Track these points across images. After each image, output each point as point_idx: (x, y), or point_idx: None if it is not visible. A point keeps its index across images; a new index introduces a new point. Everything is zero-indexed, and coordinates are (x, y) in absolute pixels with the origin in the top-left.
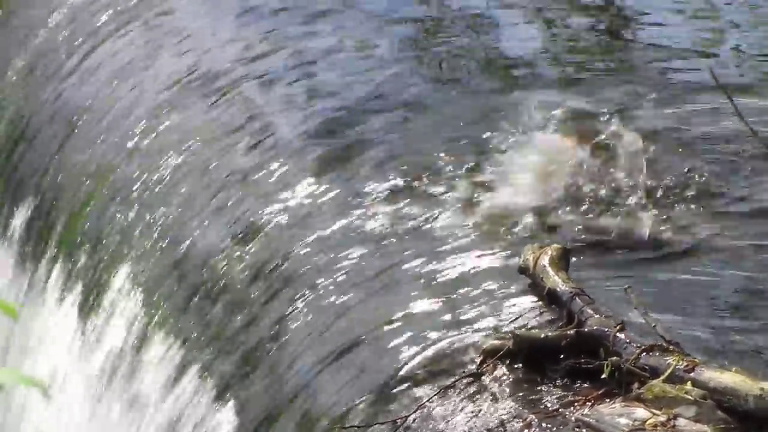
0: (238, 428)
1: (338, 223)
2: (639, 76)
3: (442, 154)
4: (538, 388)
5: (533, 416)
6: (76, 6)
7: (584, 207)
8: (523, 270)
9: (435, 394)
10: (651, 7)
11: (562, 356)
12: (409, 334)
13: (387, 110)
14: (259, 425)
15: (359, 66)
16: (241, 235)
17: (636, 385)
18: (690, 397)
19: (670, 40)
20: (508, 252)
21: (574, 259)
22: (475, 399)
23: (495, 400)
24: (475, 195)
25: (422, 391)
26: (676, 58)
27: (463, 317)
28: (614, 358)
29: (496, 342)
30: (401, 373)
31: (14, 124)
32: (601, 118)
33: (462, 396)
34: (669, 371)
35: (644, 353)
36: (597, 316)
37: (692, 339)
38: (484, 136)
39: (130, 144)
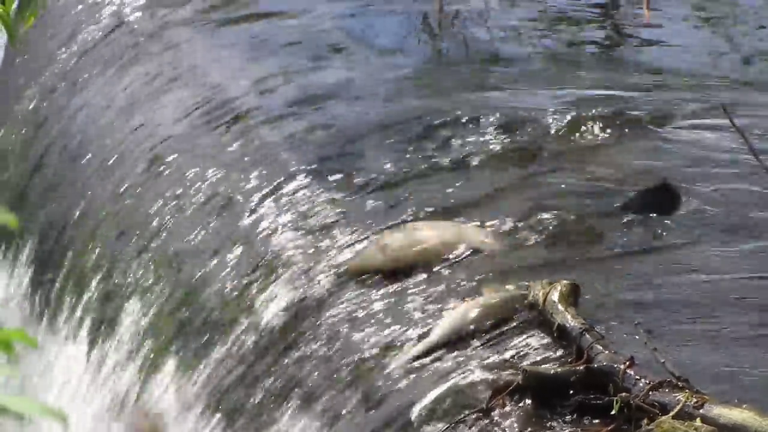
0: None
1: (342, 255)
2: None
3: (447, 186)
4: (548, 423)
5: None
6: (87, 39)
7: None
8: (532, 306)
9: (444, 430)
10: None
11: (571, 392)
12: (418, 369)
13: (393, 144)
14: None
15: (366, 100)
16: (249, 268)
17: (645, 421)
18: None
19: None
20: (516, 286)
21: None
22: None
23: None
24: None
25: (432, 427)
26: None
27: (472, 353)
28: (624, 394)
29: (506, 378)
30: (411, 408)
31: (25, 155)
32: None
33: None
34: (678, 407)
35: (653, 389)
36: (606, 352)
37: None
38: (488, 169)
39: (139, 176)
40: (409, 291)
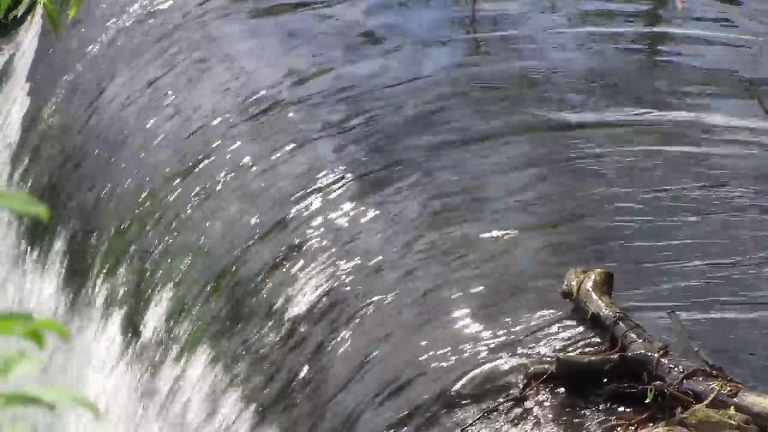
0: None
1: (380, 247)
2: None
3: (484, 178)
4: (582, 412)
5: None
6: (121, 29)
7: None
8: (566, 294)
9: (478, 417)
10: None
11: (605, 380)
12: (453, 356)
13: (430, 134)
14: None
15: (402, 90)
16: (283, 258)
17: (679, 409)
18: (733, 422)
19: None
20: (551, 276)
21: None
22: (518, 423)
23: (538, 424)
24: (516, 218)
25: (465, 414)
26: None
27: (506, 341)
28: (657, 382)
29: (540, 366)
30: (445, 395)
31: (60, 145)
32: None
33: (505, 419)
34: (712, 396)
35: (687, 378)
36: (640, 340)
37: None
38: (527, 157)
39: (173, 166)
40: None
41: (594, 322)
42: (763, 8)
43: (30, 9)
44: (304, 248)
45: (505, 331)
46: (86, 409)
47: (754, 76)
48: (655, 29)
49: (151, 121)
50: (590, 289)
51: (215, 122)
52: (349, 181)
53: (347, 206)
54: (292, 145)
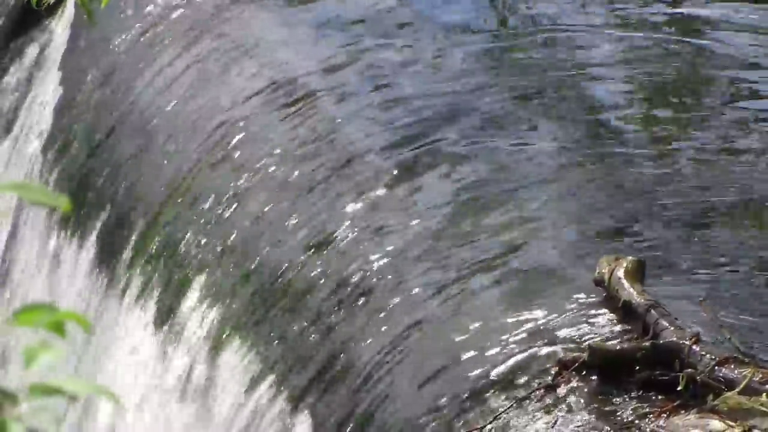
0: None
1: (412, 234)
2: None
3: (515, 165)
4: (614, 399)
5: (608, 428)
6: (152, 19)
7: None
8: (598, 282)
9: (511, 405)
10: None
11: (637, 368)
12: (484, 344)
13: (462, 122)
14: None
15: (434, 78)
16: (315, 245)
17: (711, 397)
18: (765, 409)
19: None
20: (583, 263)
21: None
22: (550, 410)
23: (570, 411)
24: (548, 206)
25: (498, 402)
26: None
27: (538, 329)
28: (689, 370)
29: (572, 354)
30: (478, 383)
31: (91, 133)
32: None
33: (538, 407)
34: (744, 383)
35: (719, 365)
36: (672, 328)
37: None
38: (558, 145)
39: (205, 154)
40: None
41: (626, 310)
42: None
43: None
44: (334, 235)
45: (537, 319)
46: (107, 399)
47: None
48: (686, 14)
49: (183, 108)
50: (622, 277)
51: (247, 110)
52: (381, 169)
53: (377, 193)
54: (323, 133)
